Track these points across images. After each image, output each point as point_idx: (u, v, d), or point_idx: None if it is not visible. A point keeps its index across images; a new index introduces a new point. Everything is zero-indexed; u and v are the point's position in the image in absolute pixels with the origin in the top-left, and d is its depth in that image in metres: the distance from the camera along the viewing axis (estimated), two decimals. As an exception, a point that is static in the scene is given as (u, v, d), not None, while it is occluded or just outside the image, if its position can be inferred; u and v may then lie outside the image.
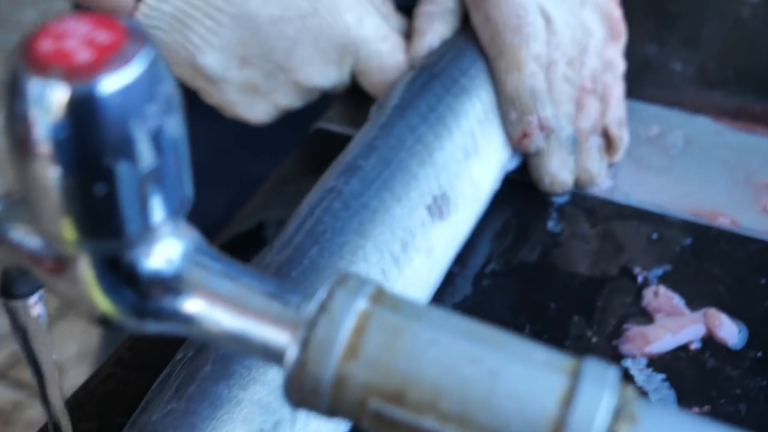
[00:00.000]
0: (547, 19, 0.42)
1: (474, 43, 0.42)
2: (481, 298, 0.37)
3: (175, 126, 0.17)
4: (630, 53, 0.47)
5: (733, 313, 0.36)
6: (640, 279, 0.37)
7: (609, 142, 0.43)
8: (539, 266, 0.38)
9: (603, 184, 0.42)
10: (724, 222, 0.40)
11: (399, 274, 0.33)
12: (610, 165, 0.43)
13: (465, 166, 0.38)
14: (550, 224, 0.40)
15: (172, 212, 0.17)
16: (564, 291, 0.37)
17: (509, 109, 0.40)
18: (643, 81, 0.49)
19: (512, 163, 0.42)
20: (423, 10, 0.45)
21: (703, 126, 0.46)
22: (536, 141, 0.40)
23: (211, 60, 0.42)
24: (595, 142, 0.43)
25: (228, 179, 0.56)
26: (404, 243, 0.33)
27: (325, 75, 0.44)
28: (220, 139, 0.55)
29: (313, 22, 0.42)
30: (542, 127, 0.40)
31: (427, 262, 0.34)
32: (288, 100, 0.45)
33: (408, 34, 0.45)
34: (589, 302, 0.36)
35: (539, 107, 0.40)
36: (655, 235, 0.39)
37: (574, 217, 0.41)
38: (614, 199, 0.41)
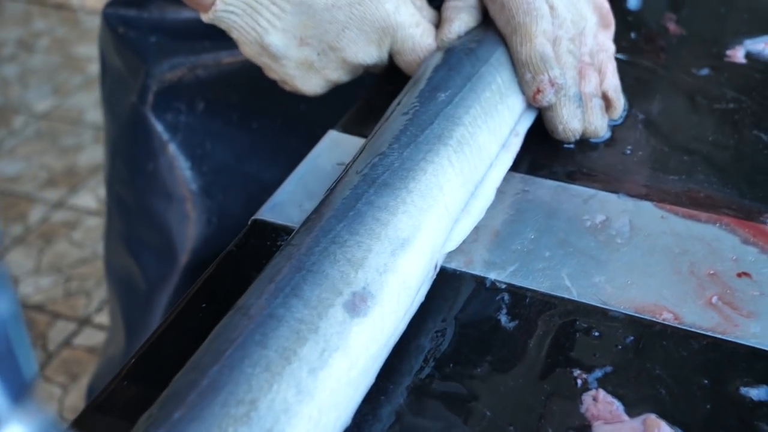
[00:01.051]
0: (551, 6, 0.51)
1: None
2: (414, 405, 0.35)
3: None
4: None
5: (674, 418, 0.34)
6: (579, 382, 0.36)
7: (608, 104, 0.52)
8: (477, 368, 0.37)
9: (605, 135, 0.51)
10: (667, 317, 0.39)
11: (313, 379, 0.31)
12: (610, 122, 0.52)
13: (391, 260, 0.36)
14: (490, 321, 0.39)
15: (12, 398, 0.16)
16: (500, 397, 0.36)
17: (524, 72, 0.49)
18: (589, 166, 0.49)
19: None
20: (450, 4, 0.54)
21: (649, 212, 0.45)
22: (548, 96, 0.49)
23: (276, 39, 0.51)
24: (597, 103, 0.51)
25: (246, 183, 0.66)
26: (315, 345, 0.32)
27: (368, 53, 0.53)
28: (240, 147, 0.64)
29: (359, 9, 0.51)
30: (552, 83, 0.49)
31: (346, 361, 0.33)
32: (337, 74, 0.54)
33: (437, 24, 0.54)
34: (526, 409, 0.35)
35: (549, 68, 0.49)
36: (596, 333, 0.38)
37: (518, 314, 0.40)
38: (557, 294, 0.40)
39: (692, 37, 0.61)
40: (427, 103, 0.45)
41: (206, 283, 0.42)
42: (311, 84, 0.54)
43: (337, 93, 0.57)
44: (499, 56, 0.50)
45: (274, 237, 0.44)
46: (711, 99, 0.54)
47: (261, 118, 0.68)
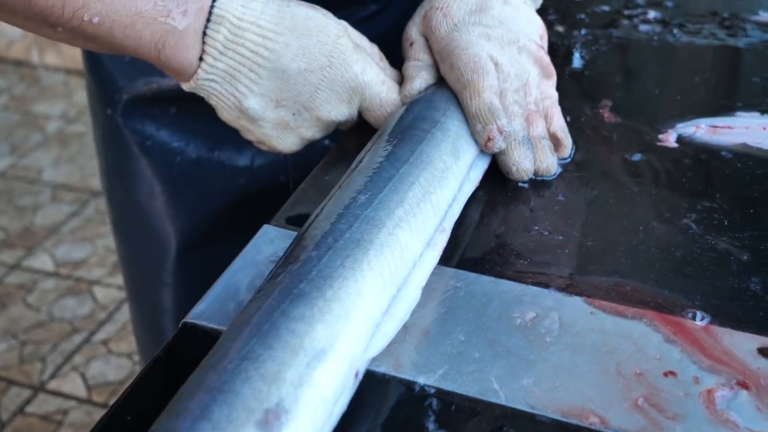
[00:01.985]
0: (495, 63, 0.57)
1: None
2: None
3: None
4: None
5: None
6: (503, 495, 0.36)
7: (558, 143, 0.57)
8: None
9: (555, 172, 0.56)
10: (594, 421, 0.39)
11: None
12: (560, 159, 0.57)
13: (307, 372, 0.36)
14: (417, 429, 0.39)
15: None
16: None
17: (475, 123, 0.55)
18: (520, 261, 0.49)
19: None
20: (411, 64, 0.60)
21: (579, 308, 0.45)
22: (498, 142, 0.54)
23: (254, 103, 0.56)
24: (546, 144, 0.56)
25: (223, 170, 0.75)
26: None
27: (340, 111, 0.58)
28: (213, 140, 0.74)
29: (330, 72, 0.56)
30: (501, 131, 0.54)
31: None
32: (311, 132, 0.59)
33: (399, 81, 0.60)
34: None
35: (497, 118, 0.54)
36: (523, 440, 0.38)
37: (446, 421, 0.40)
38: (486, 399, 0.40)
39: (627, 122, 0.63)
40: (349, 206, 0.45)
41: (131, 393, 0.41)
42: (287, 143, 0.59)
43: None
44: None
45: (204, 342, 0.43)
46: (642, 186, 0.55)
47: None
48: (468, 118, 0.55)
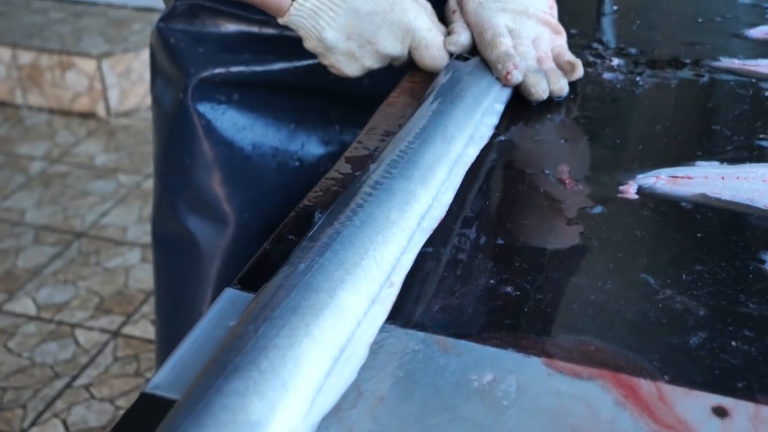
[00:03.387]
0: (510, 29, 0.76)
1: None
2: None
3: None
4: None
5: None
6: None
7: (571, 67, 0.76)
8: None
9: (565, 93, 0.75)
10: (547, 488, 0.39)
11: None
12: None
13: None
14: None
15: None
16: None
17: (496, 66, 0.73)
18: (480, 320, 0.50)
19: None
20: (454, 25, 0.79)
21: (536, 369, 0.46)
22: (515, 75, 0.72)
23: (330, 35, 0.72)
24: (557, 72, 0.75)
25: (276, 153, 0.89)
26: None
27: (395, 47, 0.75)
28: (267, 127, 0.88)
29: (390, 15, 0.73)
30: (516, 66, 0.72)
31: None
32: (371, 62, 0.76)
33: (445, 34, 0.78)
34: None
35: (512, 57, 0.73)
36: None
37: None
38: (440, 465, 0.41)
39: (588, 173, 0.63)
40: (289, 276, 0.46)
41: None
42: (352, 69, 0.76)
43: (333, 100, 0.89)
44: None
45: (162, 413, 0.43)
46: (601, 241, 0.56)
47: (285, 104, 0.89)
48: (491, 64, 0.73)
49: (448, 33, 0.78)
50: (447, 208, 0.58)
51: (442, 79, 0.72)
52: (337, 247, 0.48)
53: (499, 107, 0.71)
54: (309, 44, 0.75)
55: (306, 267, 0.46)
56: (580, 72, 0.76)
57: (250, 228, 0.88)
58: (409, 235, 0.53)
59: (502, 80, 0.72)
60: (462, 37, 0.77)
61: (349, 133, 0.91)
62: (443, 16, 0.81)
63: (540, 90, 0.72)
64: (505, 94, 0.72)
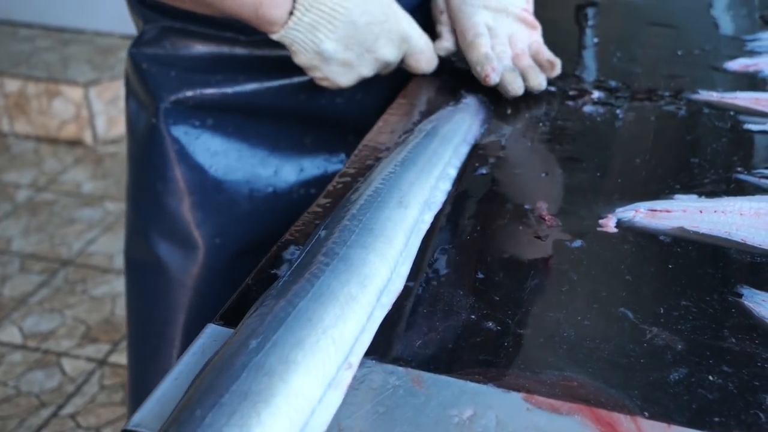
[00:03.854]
0: (489, 27, 0.83)
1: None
2: None
3: None
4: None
5: None
6: None
7: (551, 66, 0.83)
8: None
9: (543, 87, 0.82)
10: None
11: None
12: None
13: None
14: None
15: None
16: None
17: (476, 67, 0.81)
18: (460, 355, 0.50)
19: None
20: (442, 27, 0.86)
21: (516, 405, 0.46)
22: (493, 76, 0.80)
23: (329, 47, 0.75)
24: (534, 69, 0.82)
25: (249, 178, 0.88)
26: None
27: (393, 54, 0.80)
28: (242, 151, 0.88)
29: (387, 24, 0.78)
30: (493, 69, 0.79)
31: None
32: (368, 70, 0.80)
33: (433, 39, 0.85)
34: None
35: (490, 60, 0.80)
36: None
37: None
38: (420, 503, 0.41)
39: (568, 207, 0.64)
40: (238, 354, 0.44)
41: None
42: (347, 79, 0.79)
43: (307, 125, 0.89)
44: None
45: (143, 451, 0.44)
46: (580, 275, 0.56)
47: (259, 129, 0.89)
48: (471, 65, 0.81)
49: (435, 39, 0.85)
50: (405, 281, 0.55)
51: (398, 142, 0.70)
52: (292, 323, 0.46)
53: (453, 172, 0.67)
54: (302, 58, 0.76)
55: (258, 344, 0.44)
56: (558, 69, 0.83)
57: (220, 254, 0.88)
58: (368, 311, 0.50)
59: (482, 82, 0.80)
60: (449, 43, 0.85)
61: (323, 160, 0.91)
62: (422, 23, 0.84)
63: (516, 87, 0.79)
64: (459, 158, 0.69)
